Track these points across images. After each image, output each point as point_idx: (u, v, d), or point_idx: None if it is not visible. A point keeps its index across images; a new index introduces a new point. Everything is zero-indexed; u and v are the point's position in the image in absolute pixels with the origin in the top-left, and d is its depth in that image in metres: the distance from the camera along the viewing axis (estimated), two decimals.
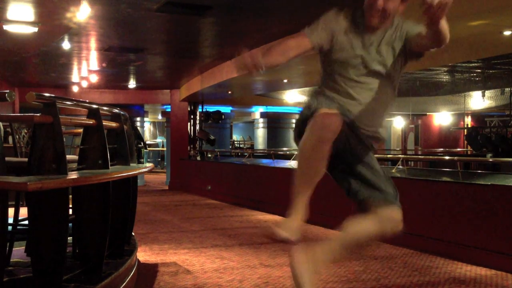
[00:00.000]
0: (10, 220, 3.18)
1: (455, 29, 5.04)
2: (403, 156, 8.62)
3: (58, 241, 2.75)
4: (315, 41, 2.37)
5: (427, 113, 19.35)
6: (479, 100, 14.73)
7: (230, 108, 17.29)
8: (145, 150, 14.73)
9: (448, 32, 2.20)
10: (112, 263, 3.49)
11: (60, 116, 2.75)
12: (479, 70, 10.92)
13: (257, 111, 18.52)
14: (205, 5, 5.94)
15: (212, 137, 13.58)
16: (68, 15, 5.84)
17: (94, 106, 3.36)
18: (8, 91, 2.56)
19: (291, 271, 2.28)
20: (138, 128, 15.42)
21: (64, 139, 2.81)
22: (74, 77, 11.77)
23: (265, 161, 11.01)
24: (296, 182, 2.23)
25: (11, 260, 3.45)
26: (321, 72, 2.53)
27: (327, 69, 2.48)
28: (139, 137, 13.57)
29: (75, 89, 13.23)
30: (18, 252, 3.67)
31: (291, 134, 9.54)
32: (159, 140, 25.28)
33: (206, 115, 13.88)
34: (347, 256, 2.34)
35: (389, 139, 21.41)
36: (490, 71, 10.89)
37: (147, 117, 19.40)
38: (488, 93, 14.09)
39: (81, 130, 3.43)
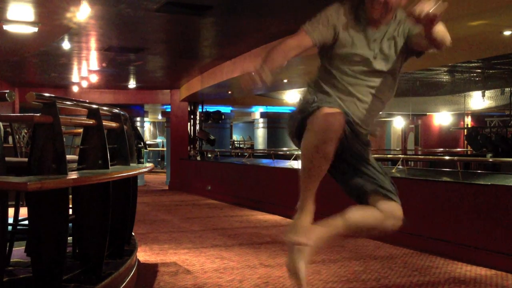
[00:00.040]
0: (10, 220, 3.18)
1: (455, 29, 5.04)
2: (403, 156, 8.60)
3: (58, 241, 2.75)
4: (316, 38, 2.33)
5: (427, 113, 19.33)
6: (479, 100, 14.71)
7: (230, 108, 17.27)
8: (145, 150, 14.75)
9: (447, 36, 2.18)
10: (112, 263, 3.48)
11: (60, 116, 2.75)
12: (479, 70, 10.91)
13: (257, 111, 18.52)
14: (205, 5, 5.94)
15: (212, 137, 13.58)
16: (68, 15, 5.84)
17: (94, 106, 3.36)
18: (8, 91, 2.56)
19: (288, 268, 2.30)
20: (138, 128, 15.43)
21: (64, 139, 2.81)
22: (74, 77, 11.77)
23: (265, 161, 11.01)
24: (302, 183, 2.24)
25: (11, 260, 3.45)
26: (319, 65, 2.48)
27: (326, 63, 2.43)
28: (139, 137, 13.59)
29: (75, 89, 13.23)
30: (18, 252, 3.67)
31: None
32: (159, 140, 25.27)
33: (206, 115, 13.88)
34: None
35: (389, 139, 21.41)
36: (490, 71, 10.87)
37: (147, 117, 19.41)
38: (488, 93, 14.08)
39: (81, 130, 3.43)
